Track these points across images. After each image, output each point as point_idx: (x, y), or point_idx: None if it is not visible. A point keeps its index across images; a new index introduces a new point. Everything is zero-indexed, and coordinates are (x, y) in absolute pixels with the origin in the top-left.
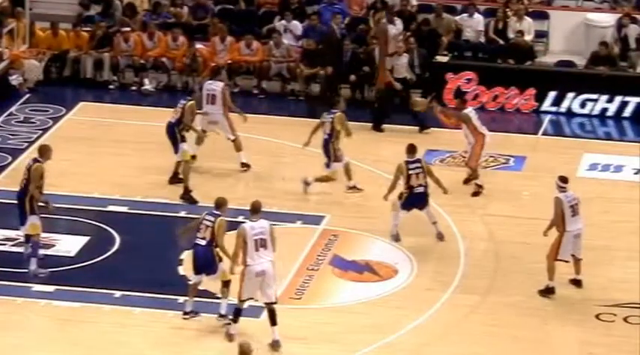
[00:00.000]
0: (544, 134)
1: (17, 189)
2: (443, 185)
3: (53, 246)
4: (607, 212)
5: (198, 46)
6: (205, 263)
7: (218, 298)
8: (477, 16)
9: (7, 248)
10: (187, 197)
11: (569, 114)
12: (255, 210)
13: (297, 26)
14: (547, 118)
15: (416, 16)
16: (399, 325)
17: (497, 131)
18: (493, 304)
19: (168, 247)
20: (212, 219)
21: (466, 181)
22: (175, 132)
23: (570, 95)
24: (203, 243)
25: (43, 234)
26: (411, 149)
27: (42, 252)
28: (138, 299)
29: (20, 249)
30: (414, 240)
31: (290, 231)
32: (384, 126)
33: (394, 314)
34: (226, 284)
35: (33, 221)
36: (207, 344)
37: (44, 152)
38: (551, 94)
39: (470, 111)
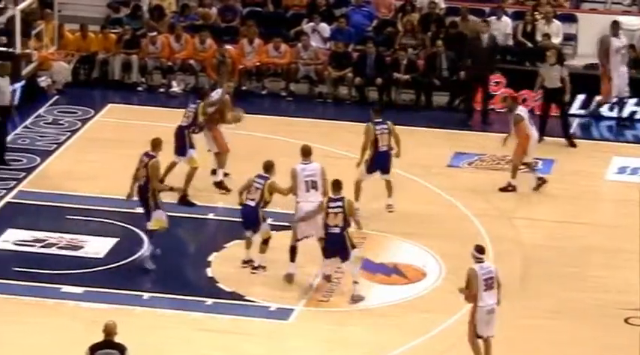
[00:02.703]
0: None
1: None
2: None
3: (82, 247)
4: (635, 215)
5: (227, 47)
6: (250, 221)
7: (246, 300)
8: (505, 18)
9: (36, 249)
10: (185, 201)
11: (598, 117)
12: (306, 153)
13: (325, 28)
14: (575, 121)
15: (444, 18)
16: (427, 328)
17: None
18: (521, 307)
19: (197, 249)
20: (261, 181)
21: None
22: (185, 136)
23: (599, 98)
24: (252, 204)
25: (72, 236)
26: (336, 185)
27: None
28: (166, 300)
29: (49, 251)
30: (442, 243)
31: None
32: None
33: (422, 317)
34: (266, 241)
35: (157, 216)
36: (233, 345)
37: (155, 145)
38: (580, 97)
39: (522, 111)
